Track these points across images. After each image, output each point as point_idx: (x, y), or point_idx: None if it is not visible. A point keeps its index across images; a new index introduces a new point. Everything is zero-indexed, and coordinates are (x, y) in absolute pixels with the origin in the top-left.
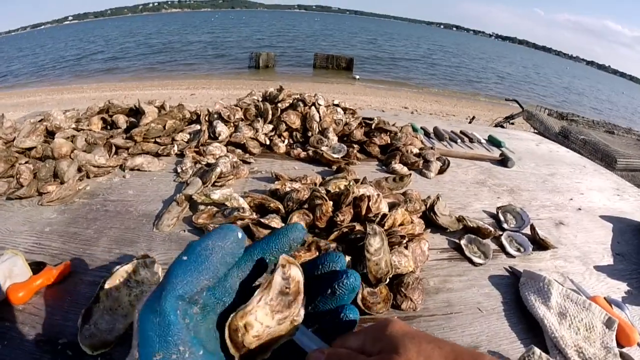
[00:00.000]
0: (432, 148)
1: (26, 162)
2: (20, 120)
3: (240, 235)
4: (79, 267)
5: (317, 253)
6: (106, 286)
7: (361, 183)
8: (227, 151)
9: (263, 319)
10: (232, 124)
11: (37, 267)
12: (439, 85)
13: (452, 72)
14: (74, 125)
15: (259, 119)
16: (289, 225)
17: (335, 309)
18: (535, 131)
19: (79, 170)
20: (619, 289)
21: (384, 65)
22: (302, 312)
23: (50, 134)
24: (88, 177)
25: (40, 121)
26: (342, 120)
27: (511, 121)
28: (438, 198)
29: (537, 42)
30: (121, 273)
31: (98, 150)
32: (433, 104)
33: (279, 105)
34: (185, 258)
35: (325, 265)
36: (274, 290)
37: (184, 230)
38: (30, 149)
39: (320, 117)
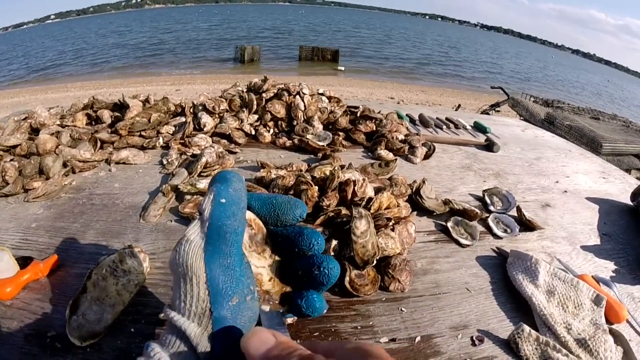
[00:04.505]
0: (417, 134)
1: (11, 160)
2: (4, 119)
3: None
4: (66, 261)
5: None
6: (93, 276)
7: (347, 169)
8: (213, 142)
9: (254, 260)
10: (217, 115)
11: (24, 261)
12: (423, 73)
13: (436, 59)
14: (58, 122)
15: (244, 109)
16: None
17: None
18: (521, 118)
19: (64, 165)
20: (606, 267)
21: (369, 56)
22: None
23: (34, 131)
24: (74, 172)
25: (24, 119)
26: (327, 108)
27: (497, 109)
28: (424, 182)
29: (522, 32)
30: (108, 262)
31: (83, 145)
32: (419, 93)
33: (264, 95)
34: (223, 201)
35: (304, 243)
36: (245, 237)
37: (171, 221)
38: (15, 146)
39: (305, 105)
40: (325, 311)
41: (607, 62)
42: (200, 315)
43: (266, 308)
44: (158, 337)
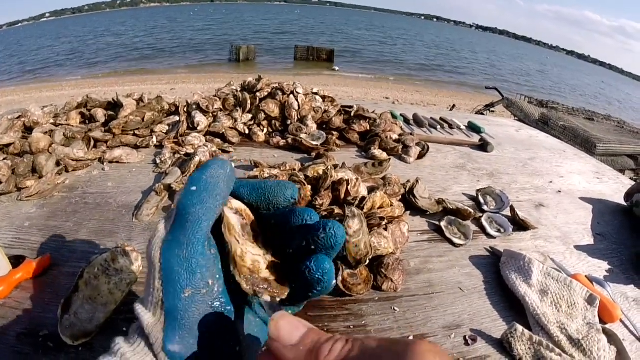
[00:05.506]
0: (411, 134)
1: (4, 159)
2: None
3: (232, 164)
4: (59, 260)
5: None
6: (85, 275)
7: (340, 168)
8: (206, 141)
9: (249, 248)
10: (210, 114)
11: (16, 261)
12: (419, 74)
13: (433, 60)
14: (52, 121)
15: (238, 108)
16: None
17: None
18: (516, 118)
19: (58, 164)
20: (600, 267)
21: (365, 56)
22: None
23: (28, 130)
24: (67, 171)
25: (18, 117)
26: (320, 108)
27: (491, 109)
28: (417, 181)
29: (518, 33)
30: (100, 261)
31: (77, 144)
32: (414, 94)
33: (258, 94)
34: (194, 188)
35: (297, 219)
36: (237, 226)
37: None
38: (8, 145)
39: (299, 105)
40: (334, 282)
41: (602, 64)
42: (155, 305)
43: (267, 298)
44: None
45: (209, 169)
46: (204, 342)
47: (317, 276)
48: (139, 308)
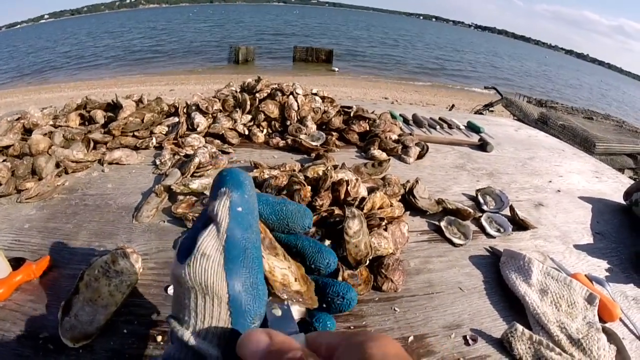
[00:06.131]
0: (410, 134)
1: (4, 161)
2: None
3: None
4: (59, 262)
5: None
6: (85, 277)
7: (340, 169)
8: (206, 142)
9: (276, 262)
10: (210, 115)
11: (16, 263)
12: (420, 77)
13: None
14: (51, 122)
15: (237, 109)
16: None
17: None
18: (515, 118)
19: (57, 166)
20: (599, 266)
21: (363, 57)
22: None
23: (27, 132)
24: (66, 173)
25: (17, 119)
26: (320, 108)
27: (490, 109)
28: (417, 181)
29: (516, 32)
30: (100, 263)
31: (76, 146)
32: (413, 94)
33: (257, 95)
34: (240, 209)
35: (322, 260)
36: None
37: (164, 221)
38: (7, 147)
39: (298, 105)
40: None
41: (601, 63)
42: (219, 336)
43: (302, 309)
44: (151, 338)
45: (247, 187)
46: None
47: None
48: (199, 341)
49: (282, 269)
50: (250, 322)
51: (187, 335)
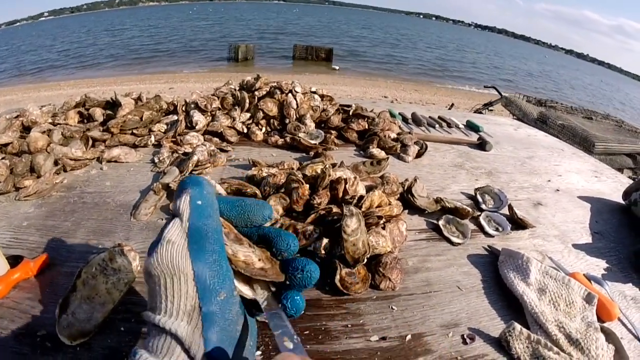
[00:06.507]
0: (409, 133)
1: (2, 158)
2: None
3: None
4: (57, 259)
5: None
6: (83, 275)
7: (338, 167)
8: (205, 140)
9: (239, 248)
10: (209, 113)
11: (14, 260)
12: (418, 73)
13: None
14: (50, 120)
15: (236, 107)
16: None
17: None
18: (514, 117)
19: (56, 163)
20: (597, 266)
21: (363, 56)
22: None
23: (26, 130)
24: (65, 171)
25: (16, 117)
26: (319, 106)
27: (490, 108)
28: (415, 180)
29: (516, 32)
30: (98, 261)
31: (75, 143)
32: (413, 92)
33: (256, 93)
34: (199, 202)
35: (282, 244)
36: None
37: (162, 219)
38: (6, 144)
39: (297, 104)
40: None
41: (601, 63)
42: (189, 312)
43: (262, 293)
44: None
45: (205, 185)
46: (237, 340)
47: (291, 312)
48: (163, 319)
49: (246, 253)
50: (216, 296)
51: (158, 318)
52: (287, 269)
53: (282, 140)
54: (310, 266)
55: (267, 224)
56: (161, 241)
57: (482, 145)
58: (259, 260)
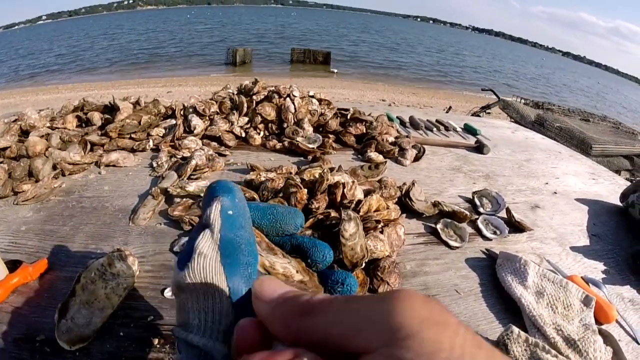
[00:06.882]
0: (407, 136)
1: (0, 162)
2: None
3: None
4: (55, 264)
5: None
6: (82, 279)
7: (336, 171)
8: (203, 144)
9: (275, 259)
10: (207, 118)
11: (13, 265)
12: (416, 77)
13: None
14: (48, 124)
15: (234, 111)
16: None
17: None
18: (512, 120)
19: (54, 168)
20: (595, 268)
21: (362, 60)
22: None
23: (24, 134)
24: (63, 175)
25: (14, 121)
26: (317, 111)
27: (488, 111)
28: (413, 184)
29: (513, 34)
30: (96, 266)
31: (73, 148)
32: (410, 96)
33: (254, 97)
34: (231, 212)
35: (318, 255)
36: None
37: (160, 224)
38: (4, 149)
39: (295, 108)
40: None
41: (598, 65)
42: (224, 331)
43: None
44: (147, 341)
45: (236, 193)
46: None
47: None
48: (199, 338)
49: (283, 264)
50: (254, 314)
51: (192, 337)
52: (326, 282)
53: (280, 144)
54: (350, 279)
55: (299, 232)
56: (193, 254)
57: (479, 148)
58: (297, 272)
